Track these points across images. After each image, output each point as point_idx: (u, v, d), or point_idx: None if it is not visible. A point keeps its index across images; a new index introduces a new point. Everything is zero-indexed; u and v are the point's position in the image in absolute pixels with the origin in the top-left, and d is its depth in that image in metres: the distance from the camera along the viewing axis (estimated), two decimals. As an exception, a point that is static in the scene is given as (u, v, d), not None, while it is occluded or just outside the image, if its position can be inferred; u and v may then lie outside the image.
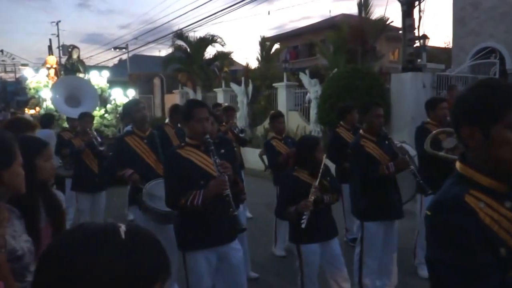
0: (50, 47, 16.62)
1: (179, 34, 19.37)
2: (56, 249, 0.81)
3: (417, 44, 11.18)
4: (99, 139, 5.63)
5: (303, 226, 3.22)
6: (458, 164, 1.31)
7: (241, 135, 6.57)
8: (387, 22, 14.71)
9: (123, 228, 0.82)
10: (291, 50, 28.74)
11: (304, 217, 3.24)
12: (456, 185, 1.26)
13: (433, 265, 1.21)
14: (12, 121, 3.45)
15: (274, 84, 14.27)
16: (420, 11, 10.73)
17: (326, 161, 3.56)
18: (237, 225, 2.87)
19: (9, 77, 45.66)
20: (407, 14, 10.21)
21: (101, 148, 5.54)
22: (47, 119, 7.64)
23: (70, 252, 0.78)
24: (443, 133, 3.98)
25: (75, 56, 11.14)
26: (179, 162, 3.01)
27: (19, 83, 39.40)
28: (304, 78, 12.30)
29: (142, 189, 3.90)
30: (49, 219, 2.35)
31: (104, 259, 0.76)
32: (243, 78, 15.27)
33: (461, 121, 1.28)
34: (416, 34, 10.79)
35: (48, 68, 11.51)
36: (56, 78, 11.14)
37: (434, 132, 4.01)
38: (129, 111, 4.39)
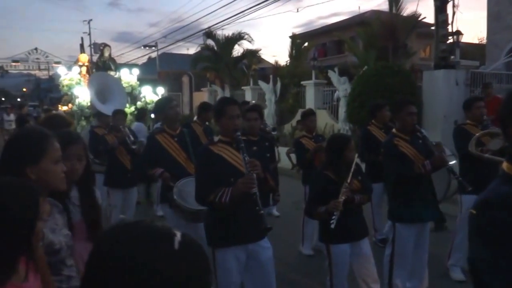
0: (82, 45, 16.98)
1: (209, 33, 19.47)
2: (110, 242, 0.82)
3: (450, 40, 10.90)
4: (132, 138, 5.72)
5: (332, 226, 3.18)
6: (505, 164, 1.27)
7: (273, 133, 6.55)
8: (419, 18, 14.36)
9: (178, 237, 0.81)
10: (319, 47, 28.46)
11: (333, 217, 3.19)
12: (503, 185, 1.22)
13: (478, 265, 1.17)
14: (47, 118, 3.52)
15: (302, 82, 14.19)
16: (453, 6, 10.46)
17: (357, 160, 3.50)
18: (262, 224, 2.85)
19: (43, 74, 47.13)
20: (440, 9, 9.98)
21: (134, 147, 5.63)
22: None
23: (122, 249, 0.79)
24: (487, 135, 3.85)
25: (106, 54, 11.35)
26: (211, 158, 3.03)
27: (52, 80, 40.60)
28: (333, 76, 12.19)
29: (173, 187, 3.94)
30: (84, 215, 2.39)
31: (153, 263, 0.76)
32: (271, 76, 15.24)
33: (509, 120, 1.24)
34: (449, 30, 10.52)
35: (80, 66, 11.77)
36: (87, 75, 11.39)
37: (478, 134, 3.88)
38: (162, 108, 4.44)
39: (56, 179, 1.86)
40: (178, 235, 0.82)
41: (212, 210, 3.10)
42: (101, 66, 11.23)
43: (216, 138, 3.20)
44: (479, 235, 1.18)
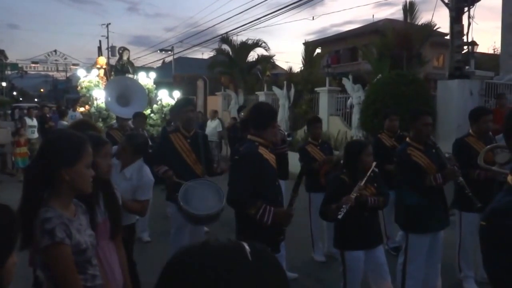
0: (99, 48, 17.21)
1: (224, 39, 19.65)
2: (183, 264, 0.78)
3: (465, 50, 10.87)
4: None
5: (339, 217, 3.22)
6: (510, 178, 1.30)
7: (288, 139, 6.61)
8: (434, 28, 14.33)
9: (247, 248, 0.80)
10: (332, 54, 28.51)
11: (342, 209, 3.22)
12: (509, 196, 1.25)
13: (498, 275, 1.18)
14: (76, 124, 3.57)
15: (316, 89, 14.23)
16: (469, 17, 10.44)
17: (375, 168, 3.53)
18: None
19: (61, 75, 47.97)
20: (456, 20, 9.96)
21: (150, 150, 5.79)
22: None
23: (197, 270, 0.75)
24: (496, 148, 3.89)
25: (125, 57, 11.56)
26: (261, 163, 3.08)
27: (69, 81, 41.29)
28: (347, 83, 12.23)
29: (180, 187, 3.97)
30: (108, 214, 2.51)
31: (232, 278, 0.74)
32: (285, 82, 15.31)
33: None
34: (465, 40, 10.50)
35: (99, 69, 12.00)
36: (105, 78, 11.61)
37: (489, 146, 3.94)
38: (177, 110, 4.53)
39: (86, 183, 1.95)
40: (246, 246, 0.80)
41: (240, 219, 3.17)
42: (120, 69, 11.45)
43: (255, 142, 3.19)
44: (493, 245, 1.19)
